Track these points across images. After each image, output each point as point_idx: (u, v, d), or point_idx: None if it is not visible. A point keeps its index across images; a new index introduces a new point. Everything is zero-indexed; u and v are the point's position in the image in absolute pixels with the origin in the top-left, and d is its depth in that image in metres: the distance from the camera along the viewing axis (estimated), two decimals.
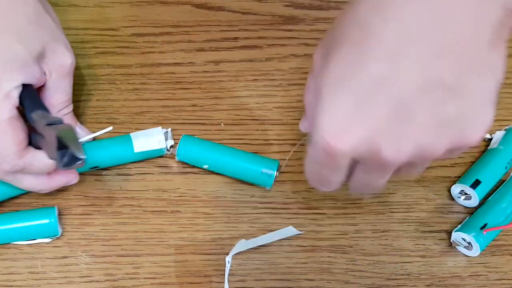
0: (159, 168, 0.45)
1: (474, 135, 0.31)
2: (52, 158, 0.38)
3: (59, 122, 0.38)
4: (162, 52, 0.50)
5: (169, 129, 0.45)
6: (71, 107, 0.43)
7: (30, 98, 0.39)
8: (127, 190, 0.44)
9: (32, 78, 0.39)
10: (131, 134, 0.44)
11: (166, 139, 0.45)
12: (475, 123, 0.31)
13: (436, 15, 0.29)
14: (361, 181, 0.34)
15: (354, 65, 0.31)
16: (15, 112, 0.38)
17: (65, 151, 0.36)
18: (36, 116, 0.38)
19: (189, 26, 0.51)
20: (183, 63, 0.50)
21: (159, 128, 0.45)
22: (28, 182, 0.40)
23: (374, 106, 0.30)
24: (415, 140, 0.30)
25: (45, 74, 0.40)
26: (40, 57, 0.39)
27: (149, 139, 0.44)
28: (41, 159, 0.39)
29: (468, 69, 0.30)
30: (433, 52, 0.29)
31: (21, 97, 0.38)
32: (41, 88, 0.41)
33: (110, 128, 0.41)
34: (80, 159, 0.36)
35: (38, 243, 0.42)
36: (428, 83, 0.29)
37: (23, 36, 0.39)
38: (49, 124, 0.37)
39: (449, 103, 0.30)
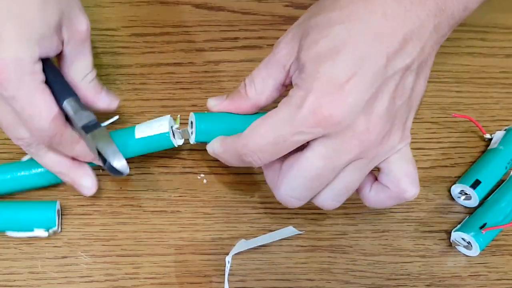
0: (159, 168, 0.45)
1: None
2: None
3: (93, 122, 0.37)
4: (162, 52, 0.50)
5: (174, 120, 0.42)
6: (94, 73, 0.41)
7: (51, 72, 0.38)
8: (127, 190, 0.44)
9: (52, 50, 0.38)
10: (137, 124, 0.42)
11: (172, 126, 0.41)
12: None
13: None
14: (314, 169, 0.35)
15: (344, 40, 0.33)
16: (43, 86, 0.37)
17: (105, 160, 0.36)
18: (68, 106, 0.38)
19: (189, 26, 0.51)
20: (183, 63, 0.50)
21: (168, 115, 0.42)
22: (50, 159, 0.40)
23: (366, 82, 0.33)
24: (382, 121, 0.34)
25: (62, 43, 0.39)
26: (57, 27, 0.38)
27: (151, 124, 0.41)
28: (72, 136, 0.38)
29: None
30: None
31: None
32: (59, 58, 0.40)
33: (116, 117, 0.42)
34: (120, 172, 0.36)
35: (35, 236, 0.41)
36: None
37: (40, 8, 0.37)
38: (85, 127, 0.37)
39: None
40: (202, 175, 0.45)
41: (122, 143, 0.40)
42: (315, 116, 0.33)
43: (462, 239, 0.42)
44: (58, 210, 0.42)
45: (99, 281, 0.41)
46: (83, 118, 0.38)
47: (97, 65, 0.49)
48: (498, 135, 0.46)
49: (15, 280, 0.41)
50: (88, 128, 0.37)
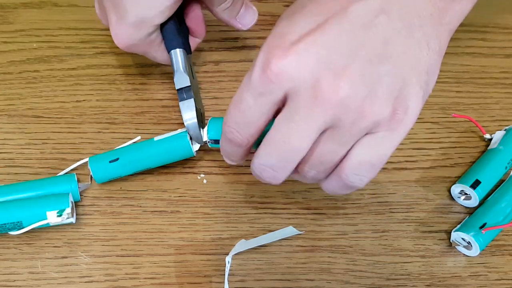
0: (159, 168, 0.45)
1: (405, 110, 0.31)
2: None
3: (188, 88, 0.42)
4: None
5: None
6: (229, 3, 0.43)
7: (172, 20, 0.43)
8: (127, 190, 0.44)
9: None
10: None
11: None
12: (407, 99, 0.31)
13: None
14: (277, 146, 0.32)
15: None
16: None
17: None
18: (174, 55, 0.43)
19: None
20: None
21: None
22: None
23: (330, 34, 0.30)
24: (354, 83, 0.30)
25: None
26: None
27: (172, 133, 0.43)
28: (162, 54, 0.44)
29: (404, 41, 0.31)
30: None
31: None
32: None
33: (138, 137, 0.44)
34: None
35: (45, 226, 0.41)
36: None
37: None
38: (180, 90, 0.43)
39: (384, 64, 0.30)
40: (202, 175, 0.45)
41: (141, 147, 0.43)
42: (265, 72, 0.30)
43: (462, 239, 0.42)
44: (72, 202, 0.41)
45: (99, 281, 0.41)
46: (179, 81, 0.43)
47: (97, 65, 0.49)
48: (498, 135, 0.46)
49: (15, 280, 0.41)
50: (180, 93, 0.43)
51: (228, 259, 0.40)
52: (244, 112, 0.32)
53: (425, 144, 0.47)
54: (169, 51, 0.44)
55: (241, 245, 0.41)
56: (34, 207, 0.40)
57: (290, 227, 0.42)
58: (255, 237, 0.42)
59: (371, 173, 0.33)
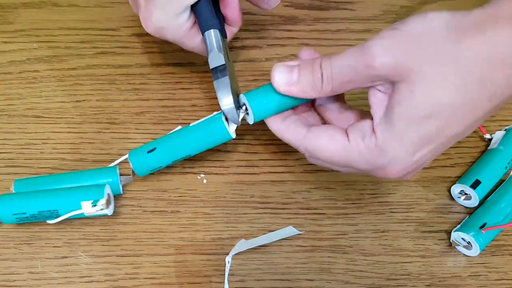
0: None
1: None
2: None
3: (222, 66, 0.41)
4: (162, 52, 0.50)
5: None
6: None
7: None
8: (127, 190, 0.44)
9: None
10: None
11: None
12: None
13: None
14: None
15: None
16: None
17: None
18: (208, 36, 0.42)
19: None
20: (183, 63, 0.50)
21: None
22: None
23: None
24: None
25: None
26: None
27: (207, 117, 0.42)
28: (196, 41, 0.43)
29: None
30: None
31: None
32: None
33: (178, 127, 0.43)
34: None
35: (79, 216, 0.41)
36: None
37: None
38: (215, 69, 0.41)
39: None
40: (202, 175, 0.45)
41: (177, 134, 0.42)
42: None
43: (462, 239, 0.42)
44: (109, 194, 0.42)
45: (99, 281, 0.41)
46: (214, 60, 0.41)
47: (97, 65, 0.49)
48: (498, 135, 0.46)
49: (15, 280, 0.41)
50: (215, 72, 0.41)
51: (228, 259, 0.40)
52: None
53: None
54: (203, 33, 0.42)
55: (241, 245, 0.41)
56: (70, 196, 0.40)
57: (290, 227, 0.42)
58: (255, 237, 0.42)
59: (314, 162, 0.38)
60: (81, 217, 0.43)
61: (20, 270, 0.41)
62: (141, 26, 0.51)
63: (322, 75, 0.35)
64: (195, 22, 0.43)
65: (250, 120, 0.39)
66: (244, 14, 0.52)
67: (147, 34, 0.51)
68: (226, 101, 0.40)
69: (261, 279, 0.42)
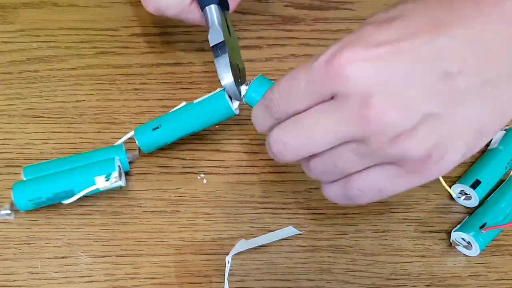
0: (159, 168, 0.45)
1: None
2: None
3: (222, 43, 0.41)
4: (162, 52, 0.50)
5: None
6: None
7: None
8: (127, 190, 0.44)
9: None
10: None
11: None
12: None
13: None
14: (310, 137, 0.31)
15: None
16: None
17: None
18: (209, 11, 0.42)
19: (189, 26, 0.51)
20: (183, 63, 0.50)
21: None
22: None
23: (402, 54, 0.28)
24: (402, 113, 0.28)
25: None
26: None
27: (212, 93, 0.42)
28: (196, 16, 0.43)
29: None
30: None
31: None
32: None
33: (183, 103, 0.43)
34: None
35: (94, 192, 0.41)
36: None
37: None
38: (215, 46, 0.41)
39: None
40: (202, 175, 0.45)
41: (181, 111, 0.43)
42: (328, 67, 0.29)
43: (462, 239, 0.42)
44: (119, 166, 0.42)
45: (99, 281, 0.41)
46: (213, 38, 0.42)
47: (97, 65, 0.49)
48: (498, 135, 0.46)
49: (15, 280, 0.41)
50: (215, 50, 0.41)
51: (228, 259, 0.40)
52: (291, 89, 0.31)
53: None
54: (202, 9, 0.42)
55: (241, 245, 0.41)
56: (83, 173, 0.41)
57: (290, 227, 0.42)
58: (255, 237, 0.42)
59: (374, 197, 0.33)
60: (80, 214, 0.43)
61: (20, 270, 0.41)
62: (141, 26, 0.51)
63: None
64: None
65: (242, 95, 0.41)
66: (244, 14, 0.52)
67: (147, 34, 0.51)
68: (226, 79, 0.41)
69: (261, 279, 0.42)
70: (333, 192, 0.34)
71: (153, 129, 0.43)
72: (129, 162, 0.44)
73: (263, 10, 0.52)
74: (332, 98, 0.30)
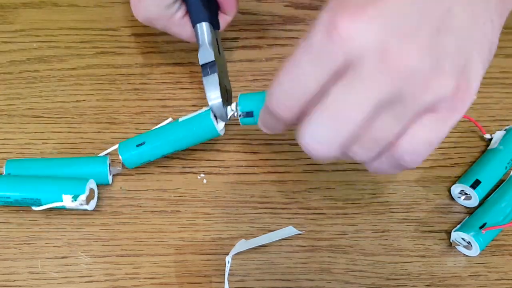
0: (159, 168, 0.45)
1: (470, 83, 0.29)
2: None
3: (212, 63, 0.41)
4: (162, 52, 0.50)
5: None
6: None
7: None
8: (127, 190, 0.44)
9: None
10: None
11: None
12: (471, 70, 0.29)
13: None
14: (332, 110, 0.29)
15: None
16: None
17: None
18: (198, 30, 0.42)
19: None
20: (183, 63, 0.50)
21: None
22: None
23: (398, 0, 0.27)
24: (422, 52, 0.27)
25: None
26: None
27: (197, 112, 0.42)
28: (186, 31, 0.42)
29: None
30: None
31: None
32: None
33: (169, 119, 0.44)
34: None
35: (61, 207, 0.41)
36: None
37: None
38: (204, 65, 0.41)
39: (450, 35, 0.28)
40: (202, 175, 0.45)
41: (166, 129, 0.43)
42: (331, 35, 0.27)
43: (462, 239, 0.42)
44: (92, 189, 0.42)
45: (99, 281, 0.41)
46: (203, 56, 0.42)
47: (97, 65, 0.49)
48: (498, 135, 0.46)
49: (15, 280, 0.41)
50: (204, 68, 0.41)
51: (228, 259, 0.40)
52: (298, 80, 0.29)
53: None
54: (194, 25, 0.42)
55: (241, 245, 0.41)
56: (52, 187, 0.41)
57: (290, 227, 0.42)
58: (255, 237, 0.42)
59: (427, 152, 0.31)
60: (80, 214, 0.43)
61: (20, 270, 0.41)
62: (141, 26, 0.51)
63: None
64: (186, 12, 0.43)
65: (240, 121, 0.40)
66: (243, 14, 0.52)
67: (147, 34, 0.51)
68: (214, 99, 0.41)
69: (261, 279, 0.42)
70: (383, 166, 0.32)
71: (137, 145, 0.42)
72: (112, 176, 0.44)
73: (263, 10, 0.52)
74: (344, 70, 0.28)
